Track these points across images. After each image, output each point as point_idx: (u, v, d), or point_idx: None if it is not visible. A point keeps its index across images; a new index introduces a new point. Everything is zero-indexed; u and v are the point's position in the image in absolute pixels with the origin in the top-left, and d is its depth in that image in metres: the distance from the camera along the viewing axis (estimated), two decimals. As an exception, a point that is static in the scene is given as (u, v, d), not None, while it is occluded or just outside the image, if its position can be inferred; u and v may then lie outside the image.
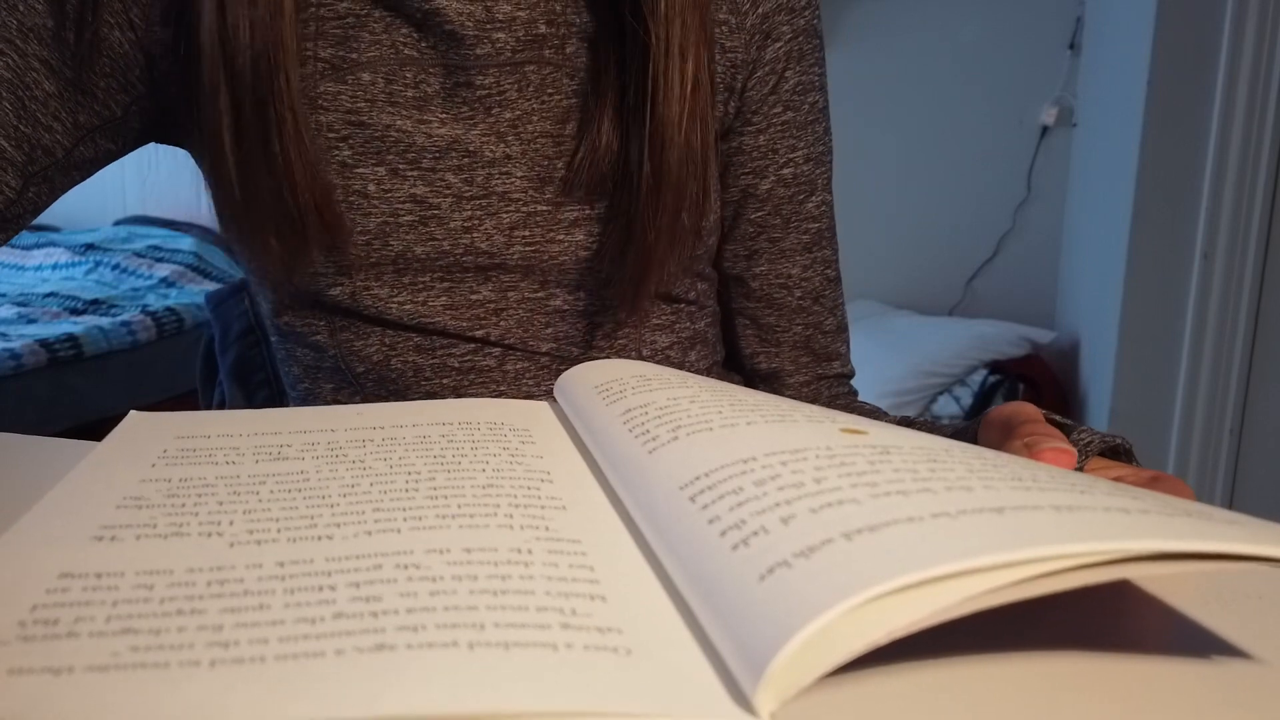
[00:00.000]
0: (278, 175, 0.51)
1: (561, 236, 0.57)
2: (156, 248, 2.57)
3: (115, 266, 2.49)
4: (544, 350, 0.59)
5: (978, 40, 2.40)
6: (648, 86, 0.52)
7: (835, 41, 2.45)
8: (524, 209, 0.56)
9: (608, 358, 0.60)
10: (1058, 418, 0.46)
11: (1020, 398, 2.14)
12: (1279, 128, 1.68)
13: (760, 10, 0.59)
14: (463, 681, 0.22)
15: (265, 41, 0.49)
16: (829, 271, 0.65)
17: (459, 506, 0.33)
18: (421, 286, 0.57)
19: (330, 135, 0.54)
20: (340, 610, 0.25)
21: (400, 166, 0.55)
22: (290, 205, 0.52)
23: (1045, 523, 0.25)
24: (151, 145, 0.60)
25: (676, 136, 0.53)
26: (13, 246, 2.62)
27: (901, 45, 2.46)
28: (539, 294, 0.58)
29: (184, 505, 0.33)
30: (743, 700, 0.23)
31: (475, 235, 0.56)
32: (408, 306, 0.57)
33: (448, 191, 0.55)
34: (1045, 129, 2.41)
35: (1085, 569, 0.24)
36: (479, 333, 0.58)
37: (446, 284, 0.57)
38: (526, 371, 0.59)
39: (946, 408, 2.17)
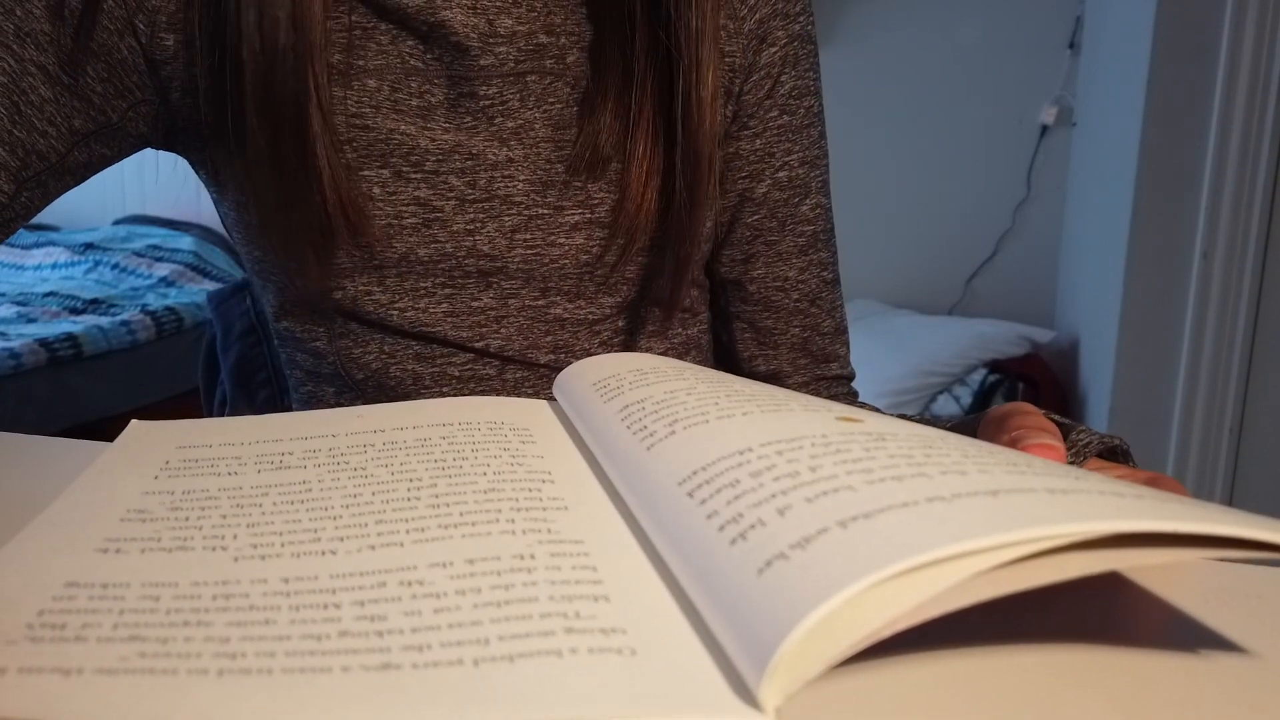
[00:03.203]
0: (310, 177, 0.52)
1: (562, 240, 0.57)
2: (156, 247, 2.57)
3: (115, 266, 2.49)
4: (543, 361, 0.60)
5: (978, 40, 2.40)
6: (676, 108, 0.54)
7: (835, 41, 2.45)
8: (525, 212, 0.57)
9: None
10: (1056, 417, 0.46)
11: (1020, 397, 2.14)
12: (1278, 127, 1.68)
13: (756, 16, 0.59)
14: (468, 700, 0.22)
15: (302, 44, 0.50)
16: (825, 274, 0.66)
17: (461, 514, 0.33)
18: (423, 292, 0.57)
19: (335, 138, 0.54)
20: (345, 629, 0.25)
21: (404, 169, 0.55)
22: (319, 206, 0.53)
23: (1040, 504, 0.25)
24: (151, 144, 0.60)
25: (705, 150, 0.55)
26: (12, 246, 2.62)
27: (901, 45, 2.46)
28: (539, 302, 0.59)
29: (188, 519, 0.33)
30: (748, 696, 0.23)
31: (478, 238, 0.56)
32: (409, 313, 0.57)
33: (450, 194, 0.56)
34: (1045, 128, 2.41)
35: (1083, 553, 0.24)
36: (479, 343, 0.58)
37: (448, 290, 0.57)
38: (526, 380, 0.60)
39: (946, 407, 2.17)
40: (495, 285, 0.58)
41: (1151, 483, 0.39)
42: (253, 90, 0.50)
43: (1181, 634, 0.29)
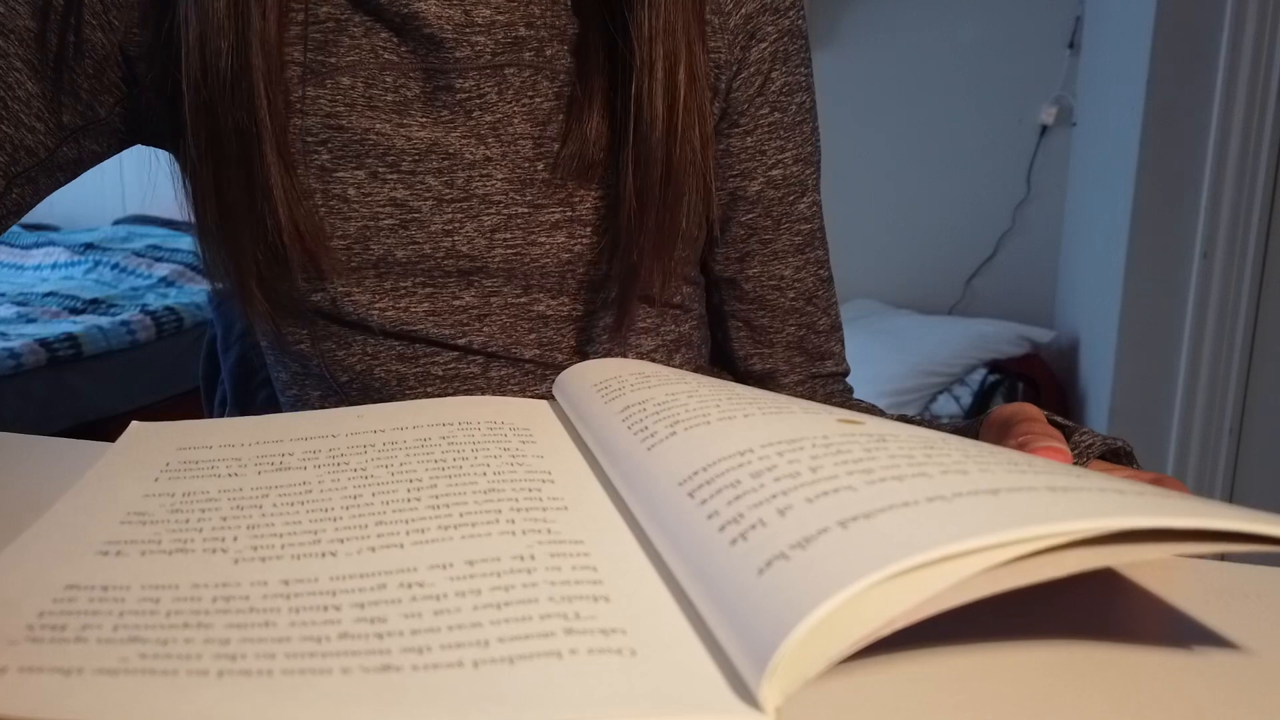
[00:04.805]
0: (259, 205, 0.51)
1: (543, 239, 0.57)
2: (156, 247, 2.57)
3: (114, 266, 2.49)
4: (527, 358, 0.59)
5: (977, 40, 2.40)
6: (630, 105, 0.53)
7: (835, 41, 2.45)
8: (504, 211, 0.56)
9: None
10: (1059, 419, 0.46)
11: (1020, 397, 2.14)
12: (1278, 127, 1.68)
13: (744, 10, 0.58)
14: (469, 702, 0.23)
15: (244, 69, 0.49)
16: (821, 272, 0.65)
17: (461, 515, 0.33)
18: (404, 292, 0.57)
19: (309, 139, 0.54)
20: (345, 631, 0.26)
21: (380, 170, 0.55)
22: (273, 235, 0.52)
23: (1040, 502, 0.25)
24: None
25: (659, 153, 0.53)
26: (12, 246, 2.62)
27: (901, 45, 2.46)
28: (522, 299, 0.58)
29: (188, 521, 0.33)
30: (748, 696, 0.23)
31: (456, 238, 0.56)
32: (390, 313, 0.57)
33: (428, 195, 0.55)
34: (1045, 128, 2.41)
35: (1082, 549, 0.24)
36: (462, 340, 0.58)
37: (429, 289, 0.57)
38: (511, 378, 0.59)
39: (946, 407, 2.17)
40: (476, 284, 0.57)
41: (1156, 483, 0.39)
42: (193, 122, 0.50)
43: (1179, 632, 0.29)
